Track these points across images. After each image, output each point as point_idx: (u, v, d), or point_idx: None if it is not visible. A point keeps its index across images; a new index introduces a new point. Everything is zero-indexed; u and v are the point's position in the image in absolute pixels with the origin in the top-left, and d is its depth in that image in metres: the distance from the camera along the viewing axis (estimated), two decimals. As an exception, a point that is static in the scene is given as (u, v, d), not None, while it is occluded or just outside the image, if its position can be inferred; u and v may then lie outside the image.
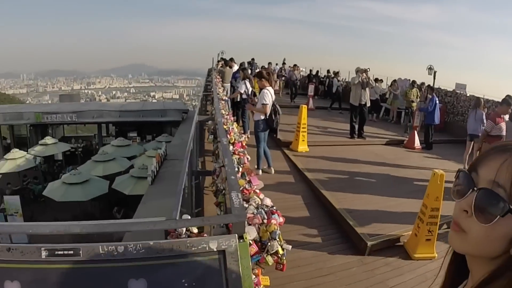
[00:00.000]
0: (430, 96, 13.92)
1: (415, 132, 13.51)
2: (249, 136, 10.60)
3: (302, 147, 11.24)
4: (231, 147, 4.98)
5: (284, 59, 27.89)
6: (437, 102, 13.67)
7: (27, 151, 22.93)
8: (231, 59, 18.90)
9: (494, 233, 0.92)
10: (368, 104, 13.51)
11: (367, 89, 13.10)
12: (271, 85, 8.84)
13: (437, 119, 13.60)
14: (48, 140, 23.32)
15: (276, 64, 27.91)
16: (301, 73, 26.66)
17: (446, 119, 17.77)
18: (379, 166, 10.60)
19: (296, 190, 8.43)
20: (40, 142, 23.59)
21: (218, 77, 16.54)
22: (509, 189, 0.90)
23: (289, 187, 8.54)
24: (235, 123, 7.48)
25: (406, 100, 16.57)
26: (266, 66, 22.78)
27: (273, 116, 8.51)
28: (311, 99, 20.15)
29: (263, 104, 8.43)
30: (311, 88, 20.71)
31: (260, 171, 8.81)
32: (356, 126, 13.38)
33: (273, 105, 8.54)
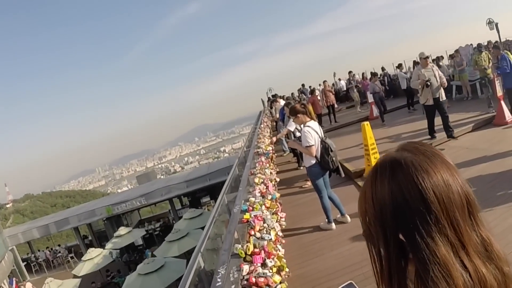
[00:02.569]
0: (499, 56, 11.47)
1: (502, 102, 10.90)
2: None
3: (377, 171, 8.95)
4: (245, 268, 3.20)
5: (334, 73, 26.53)
6: (510, 59, 11.22)
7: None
8: (274, 96, 17.51)
9: None
10: (443, 98, 10.35)
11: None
12: (312, 118, 6.97)
13: (518, 79, 11.23)
14: (122, 230, 22.95)
15: (339, 79, 26.84)
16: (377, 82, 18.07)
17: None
18: (477, 165, 7.93)
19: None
20: (115, 234, 23.31)
21: (265, 121, 15.07)
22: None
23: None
24: (273, 198, 5.68)
25: (479, 69, 13.92)
26: (321, 86, 20.80)
27: (326, 156, 6.53)
28: (373, 106, 17.79)
29: (306, 146, 6.54)
30: (370, 95, 17.99)
31: (333, 224, 6.72)
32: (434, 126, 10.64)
33: (322, 142, 6.62)
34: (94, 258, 20.23)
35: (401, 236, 0.96)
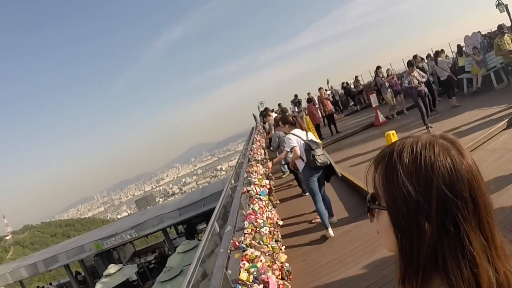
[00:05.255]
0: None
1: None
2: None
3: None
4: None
5: (328, 80, 25.47)
6: None
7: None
8: (265, 110, 15.74)
9: (382, 228, 0.98)
10: None
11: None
12: (302, 127, 6.98)
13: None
14: (111, 268, 20.81)
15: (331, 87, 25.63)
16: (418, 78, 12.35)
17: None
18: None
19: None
20: (104, 273, 21.12)
21: (258, 139, 13.16)
22: (382, 190, 0.96)
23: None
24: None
25: (502, 54, 12.14)
26: (318, 94, 19.02)
27: (308, 154, 6.39)
28: (378, 111, 15.62)
29: (290, 148, 6.63)
30: (374, 98, 15.84)
31: (330, 230, 6.47)
32: None
33: (305, 143, 6.52)
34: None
35: (432, 222, 0.88)
